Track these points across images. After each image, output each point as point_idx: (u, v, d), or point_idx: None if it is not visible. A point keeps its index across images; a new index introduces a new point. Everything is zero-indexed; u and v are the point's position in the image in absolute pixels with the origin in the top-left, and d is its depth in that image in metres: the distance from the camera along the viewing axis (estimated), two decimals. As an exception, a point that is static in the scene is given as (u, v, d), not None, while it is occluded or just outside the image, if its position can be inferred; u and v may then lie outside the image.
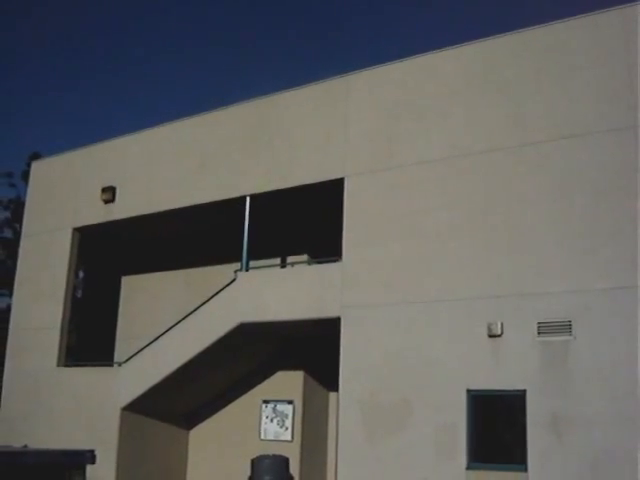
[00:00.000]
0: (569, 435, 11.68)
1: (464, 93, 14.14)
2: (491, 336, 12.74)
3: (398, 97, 14.98)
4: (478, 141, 13.71)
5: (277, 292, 15.75)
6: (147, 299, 21.38)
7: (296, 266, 16.78)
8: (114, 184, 19.08)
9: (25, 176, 34.02)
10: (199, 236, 19.38)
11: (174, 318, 17.65)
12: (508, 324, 12.65)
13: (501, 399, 12.74)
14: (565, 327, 12.06)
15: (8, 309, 28.16)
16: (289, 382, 17.77)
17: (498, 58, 14.01)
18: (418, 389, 13.33)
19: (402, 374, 13.57)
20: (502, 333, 12.65)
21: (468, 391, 12.84)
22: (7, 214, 37.60)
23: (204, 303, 16.83)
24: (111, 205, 19.02)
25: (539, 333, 12.29)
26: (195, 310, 16.94)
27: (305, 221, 17.41)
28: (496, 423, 13.16)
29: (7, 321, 21.29)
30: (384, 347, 13.87)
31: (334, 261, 15.10)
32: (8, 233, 37.49)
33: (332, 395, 17.70)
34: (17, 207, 36.15)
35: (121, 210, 18.91)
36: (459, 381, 12.91)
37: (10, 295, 30.30)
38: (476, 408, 12.83)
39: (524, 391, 12.23)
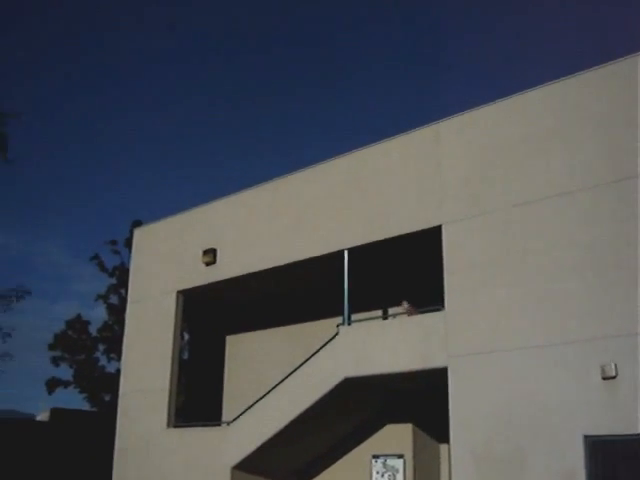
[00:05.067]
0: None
1: (557, 131, 13.88)
2: (605, 378, 12.26)
3: (490, 140, 14.83)
4: (576, 178, 13.38)
5: (381, 345, 15.60)
6: (252, 357, 21.58)
7: (398, 317, 16.62)
8: (215, 246, 19.48)
9: (128, 243, 35.16)
10: (300, 292, 19.51)
11: (279, 375, 17.70)
12: (622, 365, 12.15)
13: (621, 444, 12.15)
14: (685, 366, 11.50)
15: (117, 373, 28.88)
16: (398, 436, 17.49)
17: (590, 92, 13.73)
18: (532, 437, 12.88)
19: (515, 422, 13.15)
20: (617, 374, 12.15)
21: (585, 437, 12.30)
22: (113, 281, 38.78)
23: (308, 359, 16.82)
24: (213, 267, 19.40)
25: (656, 373, 11.76)
26: (299, 367, 16.93)
27: (404, 271, 17.31)
28: (617, 469, 12.54)
29: (117, 385, 21.82)
30: (494, 395, 13.51)
31: (437, 310, 14.89)
32: (114, 299, 38.63)
33: (443, 447, 17.32)
34: (122, 273, 37.26)
35: (222, 271, 19.24)
36: (575, 427, 12.41)
37: (119, 359, 31.12)
38: (595, 454, 12.26)
39: (644, 435, 11.68)
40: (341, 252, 16.78)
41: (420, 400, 16.90)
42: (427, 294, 15.78)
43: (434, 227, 15.16)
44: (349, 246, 16.68)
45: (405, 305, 16.28)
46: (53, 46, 67.05)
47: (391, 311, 18.13)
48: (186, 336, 26.68)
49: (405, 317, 16.00)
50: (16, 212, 66.24)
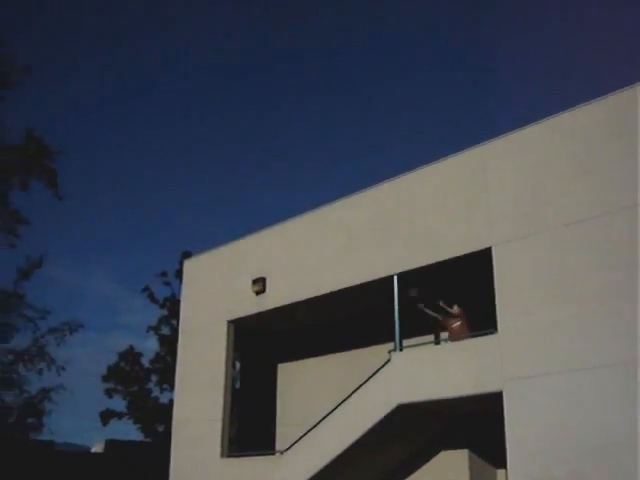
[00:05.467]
0: None
1: (605, 148, 13.69)
2: (663, 398, 11.95)
3: (538, 159, 14.68)
4: (626, 196, 13.16)
5: (433, 370, 15.44)
6: (303, 385, 21.52)
7: (451, 342, 16.44)
8: (264, 275, 19.56)
9: (178, 274, 35.54)
10: (350, 318, 19.46)
11: (332, 403, 17.60)
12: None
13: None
14: None
15: (170, 403, 29.04)
16: (454, 462, 17.21)
17: (636, 109, 13.51)
18: (592, 459, 12.57)
19: (574, 446, 12.86)
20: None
21: (650, 461, 12.00)
22: (164, 312, 39.15)
23: (360, 386, 16.72)
24: (262, 296, 19.47)
25: None
26: (352, 394, 16.83)
27: (456, 294, 17.16)
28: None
29: (170, 415, 21.93)
30: (552, 418, 13.25)
31: (490, 333, 14.71)
32: (166, 330, 38.98)
33: (500, 472, 16.98)
34: (173, 304, 37.62)
35: (272, 300, 19.29)
36: (635, 447, 12.10)
37: (172, 390, 31.30)
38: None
39: None
40: (391, 277, 16.71)
41: (476, 425, 16.66)
42: (479, 317, 15.63)
43: (484, 249, 15.03)
44: (398, 271, 16.60)
45: (455, 309, 16.24)
46: (98, 86, 68.53)
47: (443, 335, 17.96)
48: (238, 365, 26.77)
49: (458, 341, 15.84)
50: (68, 247, 67.45)
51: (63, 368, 28.53)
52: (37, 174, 26.54)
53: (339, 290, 17.79)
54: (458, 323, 16.36)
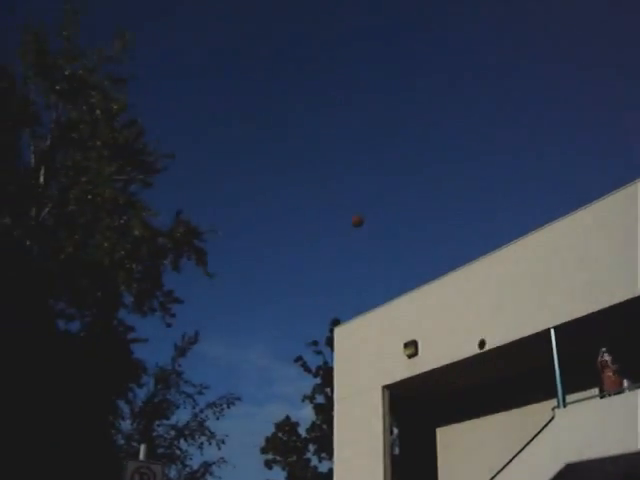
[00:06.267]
0: None
1: None
2: None
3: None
4: None
5: (601, 425, 14.71)
6: (464, 448, 20.96)
7: (616, 395, 15.65)
8: (415, 337, 19.40)
9: (329, 342, 35.75)
10: (508, 376, 18.89)
11: (495, 465, 17.03)
12: None
13: None
14: None
15: (330, 472, 28.95)
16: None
17: None
18: None
19: None
20: None
21: None
22: (317, 380, 39.36)
23: (524, 447, 16.13)
24: (415, 359, 19.29)
25: None
26: (516, 455, 16.25)
27: (617, 343, 16.38)
28: None
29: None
30: None
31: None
32: (320, 399, 39.09)
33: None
34: (326, 373, 37.77)
35: (425, 363, 19.08)
36: None
37: (330, 458, 31.22)
38: None
39: None
40: (547, 331, 16.18)
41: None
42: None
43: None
44: (555, 324, 16.07)
45: (606, 357, 15.49)
46: (245, 168, 71.15)
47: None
48: (395, 430, 26.45)
49: (625, 393, 15.05)
50: (221, 323, 69.43)
51: (223, 442, 29.16)
52: (187, 254, 27.63)
53: (493, 349, 17.40)
54: (613, 373, 15.60)
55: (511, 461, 16.34)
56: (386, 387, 20.27)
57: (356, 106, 69.74)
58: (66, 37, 26.70)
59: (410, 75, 68.19)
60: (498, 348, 17.32)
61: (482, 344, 17.61)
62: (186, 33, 64.02)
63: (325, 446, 36.69)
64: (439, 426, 22.11)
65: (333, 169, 73.27)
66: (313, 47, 72.45)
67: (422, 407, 21.99)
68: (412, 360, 19.40)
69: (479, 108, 69.21)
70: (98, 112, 25.90)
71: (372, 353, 20.96)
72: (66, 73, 26.47)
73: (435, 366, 18.82)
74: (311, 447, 39.39)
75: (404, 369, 19.62)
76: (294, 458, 39.27)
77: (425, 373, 19.15)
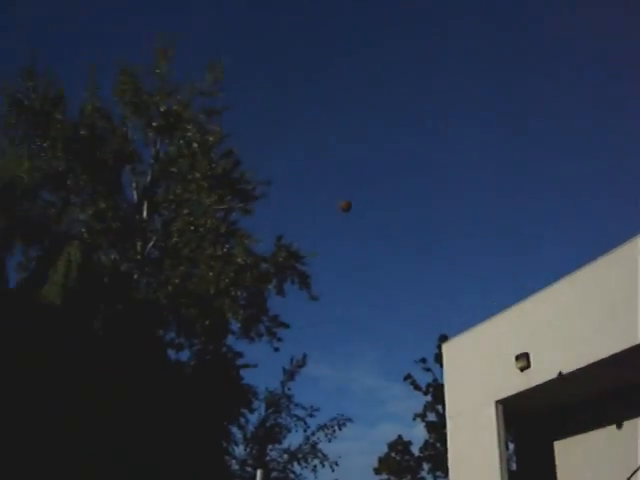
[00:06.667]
0: None
1: None
2: None
3: None
4: None
5: None
6: (583, 460, 20.24)
7: None
8: (527, 349, 18.90)
9: (437, 358, 35.43)
10: (628, 385, 18.20)
11: (617, 478, 16.39)
12: None
13: None
14: None
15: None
16: None
17: None
18: None
19: None
20: None
21: None
22: (428, 398, 39.04)
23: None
24: (528, 371, 18.79)
25: None
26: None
27: None
28: None
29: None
30: None
31: None
32: (432, 416, 38.74)
33: None
34: (436, 390, 37.44)
35: (538, 375, 18.50)
36: None
37: (445, 477, 30.80)
38: None
39: None
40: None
41: None
42: None
43: None
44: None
45: None
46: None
47: None
48: (511, 446, 25.85)
49: None
50: (327, 345, 69.65)
51: (336, 463, 29.11)
52: (290, 278, 27.92)
53: (607, 358, 16.77)
54: None
55: (634, 473, 15.67)
56: (499, 402, 19.80)
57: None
58: (159, 75, 27.59)
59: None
60: (611, 357, 16.67)
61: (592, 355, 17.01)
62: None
63: (439, 464, 36.27)
64: (557, 439, 21.43)
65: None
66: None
67: (538, 420, 21.40)
68: (525, 373, 18.91)
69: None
70: (195, 145, 26.63)
71: (483, 368, 20.54)
72: (161, 109, 27.40)
73: (547, 378, 18.26)
74: (425, 466, 39.05)
75: (517, 382, 19.12)
76: (408, 478, 39.00)
77: (539, 386, 18.60)
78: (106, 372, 18.07)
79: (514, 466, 25.76)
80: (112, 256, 26.54)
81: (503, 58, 66.24)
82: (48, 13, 47.89)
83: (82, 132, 26.41)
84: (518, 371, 19.04)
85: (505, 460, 19.83)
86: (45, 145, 26.29)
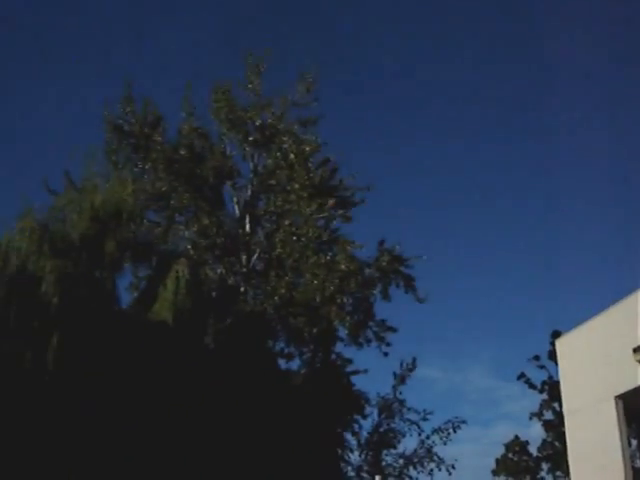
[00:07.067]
0: None
1: None
2: None
3: None
4: None
5: None
6: None
7: None
8: (645, 341, 18.33)
9: (551, 355, 34.56)
10: None
11: None
12: None
13: None
14: None
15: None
16: None
17: None
18: None
19: None
20: None
21: None
22: (544, 396, 38.17)
23: None
24: (648, 363, 18.19)
25: None
26: None
27: None
28: None
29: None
30: None
31: None
32: (549, 415, 37.85)
33: None
34: (551, 387, 36.57)
35: (659, 366, 17.91)
36: None
37: (566, 476, 29.96)
38: None
39: None
40: None
41: None
42: None
43: None
44: None
45: None
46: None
47: None
48: (634, 442, 24.99)
49: None
50: (436, 347, 68.89)
51: (453, 466, 28.70)
52: (395, 282, 27.76)
53: None
54: None
55: None
56: (619, 397, 19.19)
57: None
58: (252, 89, 27.99)
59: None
60: None
61: None
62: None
63: (559, 464, 35.37)
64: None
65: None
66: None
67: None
68: (644, 365, 18.30)
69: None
70: (292, 156, 26.84)
71: (599, 362, 19.96)
72: (257, 124, 27.75)
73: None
74: (544, 466, 38.18)
75: (635, 376, 18.51)
76: (527, 479, 38.23)
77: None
78: (218, 387, 18.34)
79: (639, 463, 24.97)
80: (218, 271, 27.00)
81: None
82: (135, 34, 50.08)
83: (182, 152, 26.99)
84: (637, 364, 18.45)
85: (628, 457, 19.21)
86: (147, 167, 26.98)
